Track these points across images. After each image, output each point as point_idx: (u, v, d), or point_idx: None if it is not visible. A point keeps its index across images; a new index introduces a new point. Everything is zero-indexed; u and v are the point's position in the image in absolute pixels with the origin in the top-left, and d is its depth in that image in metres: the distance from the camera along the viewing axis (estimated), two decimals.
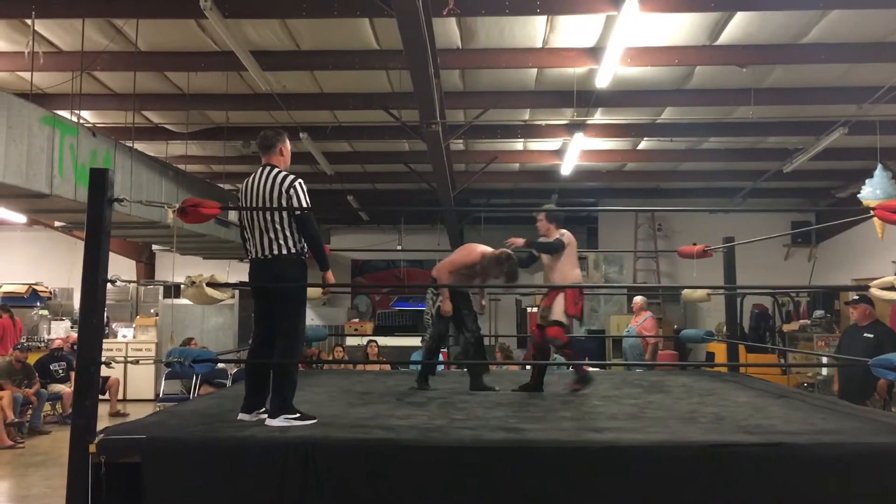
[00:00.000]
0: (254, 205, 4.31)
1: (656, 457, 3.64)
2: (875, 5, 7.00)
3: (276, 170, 4.39)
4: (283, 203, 4.26)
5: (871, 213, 4.56)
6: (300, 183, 4.34)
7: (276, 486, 3.60)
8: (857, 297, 7.04)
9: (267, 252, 4.30)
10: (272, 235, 4.28)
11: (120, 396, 12.97)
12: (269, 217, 4.27)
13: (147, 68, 8.53)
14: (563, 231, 5.85)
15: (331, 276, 4.57)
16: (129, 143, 9.07)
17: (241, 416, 4.31)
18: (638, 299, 11.77)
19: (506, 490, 3.59)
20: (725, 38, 7.76)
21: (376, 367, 9.82)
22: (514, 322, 15.98)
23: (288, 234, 4.28)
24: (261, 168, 4.43)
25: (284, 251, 4.28)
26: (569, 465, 3.62)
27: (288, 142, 4.58)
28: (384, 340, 12.88)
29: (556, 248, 5.75)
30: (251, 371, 4.51)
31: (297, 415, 4.18)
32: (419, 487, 3.61)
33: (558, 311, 5.70)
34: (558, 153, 12.03)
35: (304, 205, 4.30)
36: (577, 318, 5.86)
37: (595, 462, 3.63)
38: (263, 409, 4.33)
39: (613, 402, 5.31)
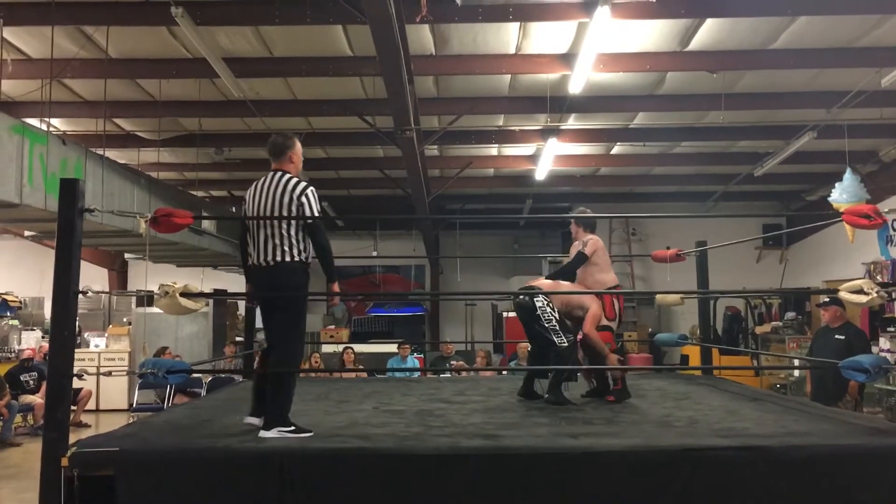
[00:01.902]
0: (261, 210, 4.25)
1: (632, 462, 3.67)
2: (842, 11, 7.12)
3: (287, 175, 4.32)
4: (294, 210, 4.20)
5: (841, 217, 4.62)
6: (312, 190, 4.28)
7: (251, 496, 3.57)
8: (827, 300, 7.13)
9: (270, 259, 4.22)
10: (277, 241, 4.20)
11: (93, 407, 12.81)
12: (276, 223, 4.21)
13: (118, 75, 8.43)
14: (591, 236, 5.92)
15: (337, 287, 4.41)
16: (100, 151, 8.96)
17: (249, 419, 4.27)
18: None
19: (483, 498, 3.60)
20: (696, 44, 7.85)
21: (352, 375, 9.78)
22: (491, 327, 16.00)
23: (294, 241, 4.21)
24: (271, 173, 4.36)
25: (288, 258, 4.21)
26: (546, 472, 3.63)
27: (299, 146, 4.50)
28: (360, 347, 12.85)
29: (575, 266, 5.81)
30: (258, 378, 4.46)
31: (292, 427, 4.09)
32: (396, 496, 3.60)
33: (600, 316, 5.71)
34: (532, 158, 12.08)
35: (316, 213, 4.26)
36: (612, 321, 5.81)
37: (572, 468, 3.64)
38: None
39: (589, 407, 5.34)
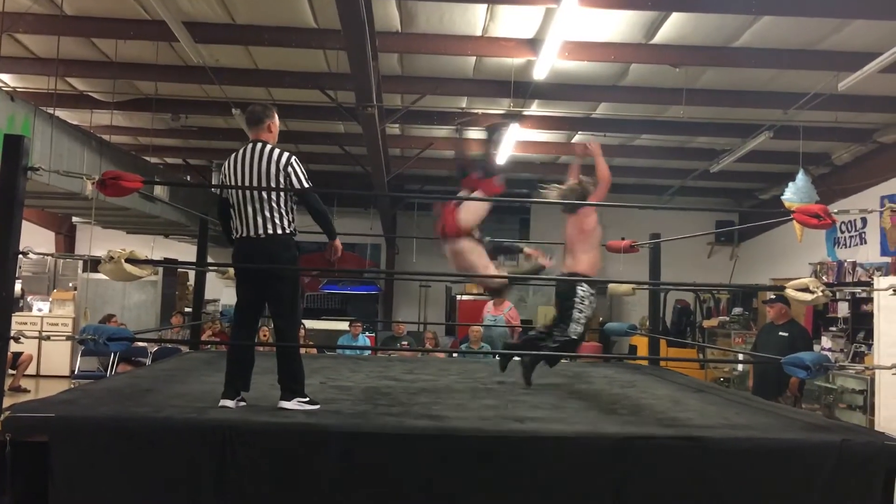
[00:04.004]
0: (245, 182, 4.16)
1: (575, 447, 3.69)
2: (804, 13, 7.21)
3: (270, 146, 4.24)
4: (282, 181, 4.15)
5: (791, 216, 4.69)
6: (296, 159, 4.23)
7: (191, 469, 3.50)
8: (773, 297, 7.26)
9: (261, 231, 4.15)
10: (267, 213, 4.14)
11: (33, 372, 12.52)
12: (264, 196, 4.13)
13: (73, 33, 8.18)
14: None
15: (338, 244, 4.44)
16: (50, 110, 8.69)
17: (224, 402, 4.09)
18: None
19: (426, 478, 3.59)
20: (661, 37, 7.90)
21: (301, 350, 9.69)
22: (444, 309, 16.01)
23: (283, 212, 4.17)
24: (251, 144, 4.26)
25: (280, 230, 4.16)
26: (490, 454, 3.63)
27: (276, 117, 4.42)
28: (311, 324, 12.73)
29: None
30: (237, 355, 4.32)
31: (307, 398, 4.12)
32: (339, 474, 3.57)
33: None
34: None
35: (304, 181, 4.21)
36: None
37: (516, 451, 3.65)
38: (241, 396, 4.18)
39: (537, 391, 5.36)
